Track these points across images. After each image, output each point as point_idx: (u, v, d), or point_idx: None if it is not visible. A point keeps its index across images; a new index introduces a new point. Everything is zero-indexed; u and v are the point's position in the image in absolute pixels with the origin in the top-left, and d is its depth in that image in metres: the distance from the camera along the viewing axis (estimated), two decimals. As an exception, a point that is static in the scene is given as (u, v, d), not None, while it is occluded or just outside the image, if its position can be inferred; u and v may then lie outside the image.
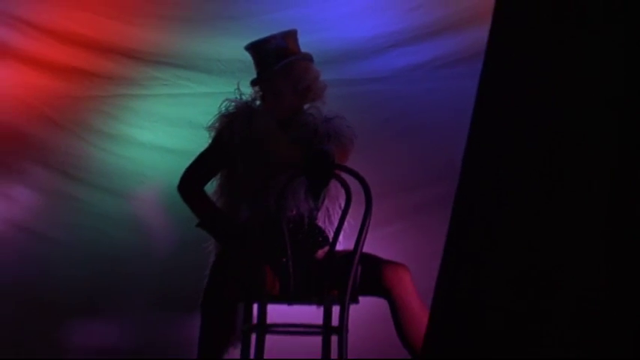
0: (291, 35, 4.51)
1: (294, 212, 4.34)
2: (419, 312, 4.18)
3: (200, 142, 4.58)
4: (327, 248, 4.39)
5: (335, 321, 4.22)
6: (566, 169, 3.33)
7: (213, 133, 4.46)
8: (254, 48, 4.49)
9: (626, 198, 3.29)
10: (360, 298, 4.32)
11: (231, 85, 4.57)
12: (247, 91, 4.54)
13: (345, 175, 4.22)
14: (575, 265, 3.29)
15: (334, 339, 4.21)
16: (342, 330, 4.14)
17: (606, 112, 3.33)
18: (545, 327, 3.30)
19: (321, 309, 4.29)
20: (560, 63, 3.39)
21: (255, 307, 4.25)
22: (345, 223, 4.29)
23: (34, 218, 5.41)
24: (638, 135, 3.26)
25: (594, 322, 3.12)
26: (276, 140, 4.37)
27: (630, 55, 3.32)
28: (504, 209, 3.33)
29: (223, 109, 4.47)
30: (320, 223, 4.45)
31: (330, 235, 4.39)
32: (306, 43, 4.60)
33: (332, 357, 4.28)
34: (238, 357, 4.31)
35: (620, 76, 3.33)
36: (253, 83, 4.49)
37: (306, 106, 4.52)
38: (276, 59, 4.43)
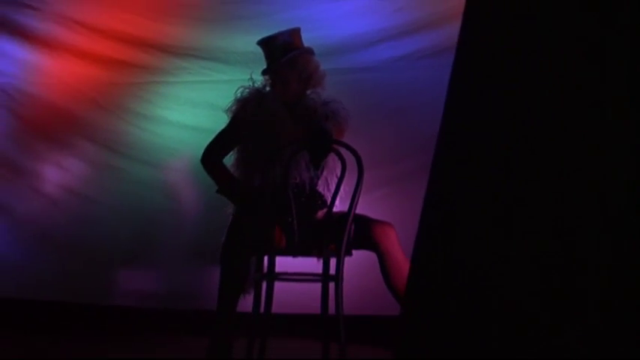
0: (295, 32, 4.49)
1: (298, 180, 4.34)
2: (402, 263, 4.18)
3: (219, 121, 4.56)
4: (325, 210, 4.37)
5: (332, 270, 4.21)
6: (532, 162, 3.30)
7: (230, 115, 4.43)
8: (264, 43, 4.48)
9: (596, 189, 3.24)
10: (353, 252, 4.33)
11: (245, 73, 4.56)
12: (259, 79, 4.52)
13: (341, 149, 4.21)
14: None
15: (331, 286, 4.20)
16: (338, 278, 4.14)
17: (572, 105, 3.29)
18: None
19: (321, 261, 4.29)
20: (524, 57, 3.36)
21: (265, 259, 4.25)
22: (341, 189, 4.28)
23: (83, 185, 5.43)
24: (610, 127, 3.21)
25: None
26: (283, 120, 4.35)
27: (599, 48, 3.26)
28: (473, 191, 3.31)
29: (239, 94, 4.45)
30: (320, 189, 4.45)
31: (328, 199, 4.37)
32: (308, 39, 4.58)
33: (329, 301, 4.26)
34: (252, 301, 4.30)
35: (588, 69, 3.29)
36: (264, 72, 4.48)
37: (308, 92, 4.50)
38: (283, 52, 4.41)
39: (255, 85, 4.47)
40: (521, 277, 3.26)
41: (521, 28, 3.41)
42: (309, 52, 4.49)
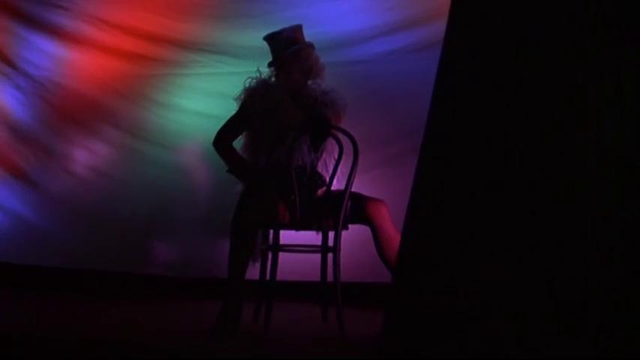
0: (298, 28, 4.41)
1: (300, 162, 4.25)
2: (393, 236, 4.09)
3: (229, 109, 4.44)
4: (324, 188, 4.29)
5: (330, 242, 4.14)
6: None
7: (239, 102, 4.34)
8: (270, 38, 4.38)
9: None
10: (349, 226, 4.24)
11: (253, 66, 4.44)
12: (265, 71, 4.40)
13: (338, 134, 4.14)
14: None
15: (330, 256, 4.16)
16: (335, 249, 4.08)
17: (552, 98, 3.17)
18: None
19: (320, 234, 4.21)
20: (505, 51, 3.24)
21: (270, 232, 4.17)
22: (338, 170, 4.23)
23: (108, 165, 5.38)
24: (595, 129, 3.09)
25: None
26: (286, 108, 4.23)
27: (586, 48, 3.13)
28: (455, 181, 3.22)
29: (247, 84, 4.35)
30: (319, 170, 4.34)
31: (327, 179, 4.28)
32: (309, 35, 4.46)
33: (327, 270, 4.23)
34: (259, 270, 4.28)
35: (574, 68, 3.17)
36: (270, 65, 4.34)
37: (309, 82, 4.39)
38: (287, 46, 4.31)
39: (262, 76, 4.35)
40: (499, 250, 3.16)
41: (505, 25, 3.29)
42: (310, 46, 4.39)
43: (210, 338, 3.79)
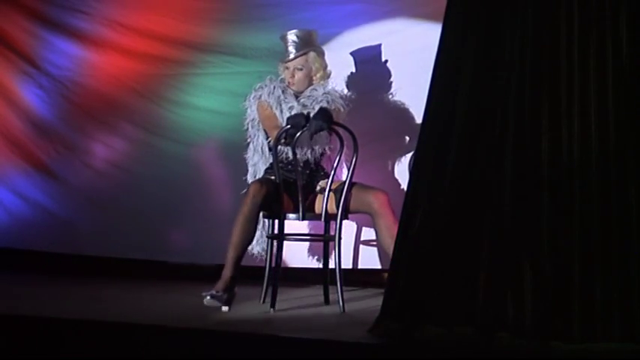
0: (312, 33, 4.37)
1: (304, 156, 4.23)
2: (393, 223, 4.02)
3: (238, 106, 4.43)
4: (327, 180, 4.23)
5: (332, 231, 4.13)
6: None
7: (250, 102, 4.31)
8: (283, 38, 4.33)
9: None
10: (351, 215, 4.23)
11: (259, 65, 4.53)
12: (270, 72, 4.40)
13: (340, 130, 4.12)
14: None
15: (331, 244, 4.14)
16: (337, 237, 4.06)
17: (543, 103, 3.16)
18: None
19: (322, 223, 4.18)
20: (494, 54, 3.23)
21: (276, 222, 4.15)
22: (342, 162, 4.22)
23: (124, 159, 5.34)
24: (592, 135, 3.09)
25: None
26: (290, 107, 4.25)
27: (583, 54, 3.12)
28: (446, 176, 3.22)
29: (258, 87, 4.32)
30: (324, 164, 4.34)
31: (330, 173, 4.23)
32: (313, 36, 4.41)
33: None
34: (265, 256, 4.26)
35: (570, 74, 3.16)
36: (282, 61, 4.33)
37: (314, 84, 4.34)
38: (297, 50, 4.29)
39: (272, 81, 4.31)
40: (486, 240, 3.15)
41: (496, 28, 3.28)
42: (321, 52, 4.35)
43: (207, 305, 3.83)
